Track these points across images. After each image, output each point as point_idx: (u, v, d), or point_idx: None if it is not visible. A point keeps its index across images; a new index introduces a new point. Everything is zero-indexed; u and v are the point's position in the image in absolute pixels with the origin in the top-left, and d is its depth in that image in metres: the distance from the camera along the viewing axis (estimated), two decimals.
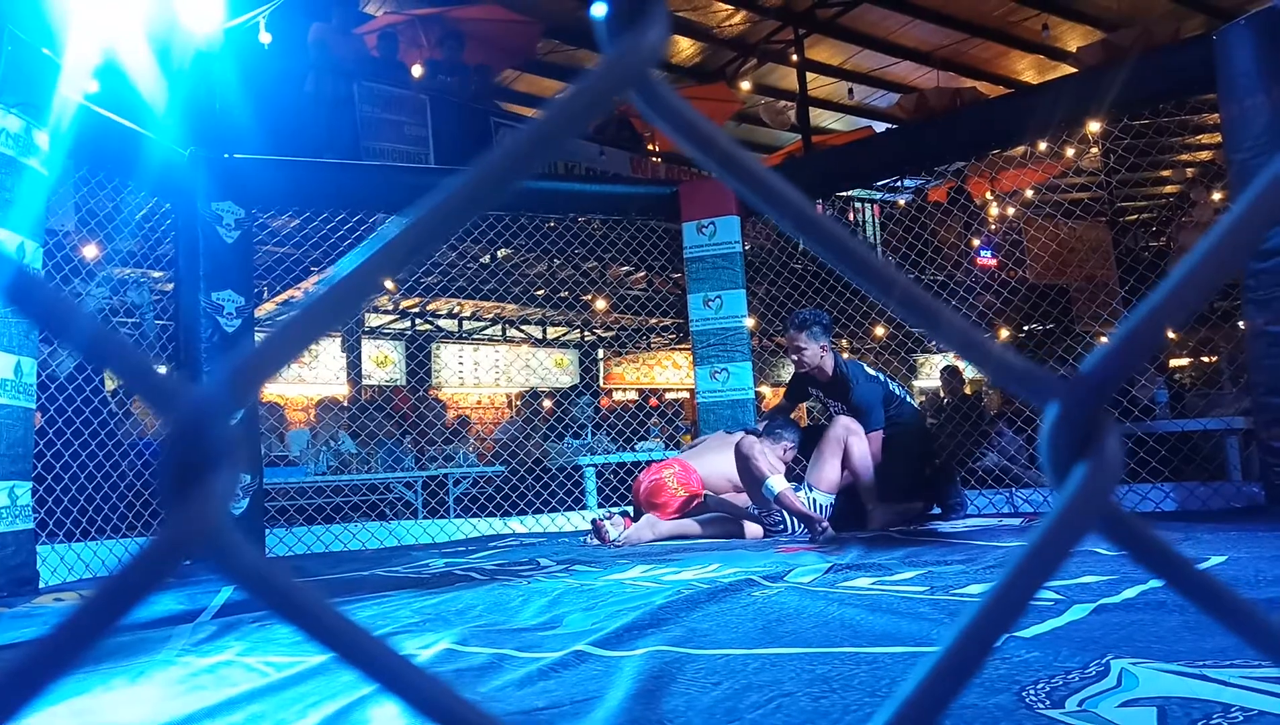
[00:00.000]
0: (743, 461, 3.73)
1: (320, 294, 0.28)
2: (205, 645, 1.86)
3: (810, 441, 4.06)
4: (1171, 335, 6.17)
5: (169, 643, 1.89)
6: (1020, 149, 5.08)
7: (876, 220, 8.97)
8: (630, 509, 4.38)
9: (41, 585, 3.18)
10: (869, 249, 0.33)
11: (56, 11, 3.10)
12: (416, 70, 8.04)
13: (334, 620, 0.27)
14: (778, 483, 3.64)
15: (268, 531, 4.37)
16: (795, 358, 4.10)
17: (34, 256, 3.11)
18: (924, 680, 0.29)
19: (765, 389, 9.61)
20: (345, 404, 8.60)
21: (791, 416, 4.55)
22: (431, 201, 0.29)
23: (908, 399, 4.18)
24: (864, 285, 0.33)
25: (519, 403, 7.83)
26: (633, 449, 5.61)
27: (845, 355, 4.34)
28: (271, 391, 8.98)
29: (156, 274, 4.78)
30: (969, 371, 7.19)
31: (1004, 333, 7.48)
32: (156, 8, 3.93)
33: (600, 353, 11.71)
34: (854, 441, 3.80)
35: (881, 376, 4.13)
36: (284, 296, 7.50)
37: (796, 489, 3.76)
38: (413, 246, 0.29)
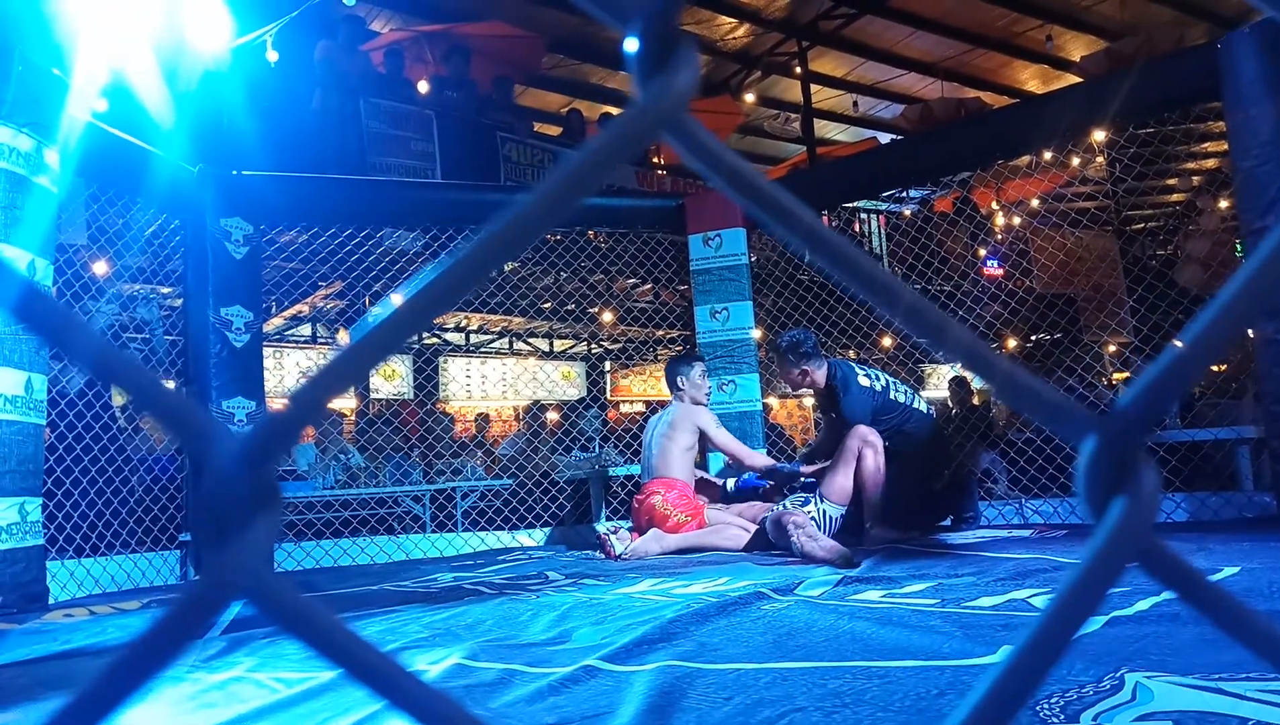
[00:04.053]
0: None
1: (354, 344, 0.29)
2: (215, 661, 1.86)
3: (824, 451, 4.06)
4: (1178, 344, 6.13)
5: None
6: (1025, 159, 5.08)
7: (882, 231, 8.97)
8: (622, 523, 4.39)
9: (51, 601, 3.18)
10: (894, 278, 0.33)
11: (66, 32, 3.13)
12: (422, 86, 8.08)
13: (384, 665, 0.27)
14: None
15: (277, 546, 4.37)
16: (785, 384, 4.21)
17: (44, 274, 3.13)
18: None
19: (773, 400, 9.60)
20: (346, 415, 8.62)
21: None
22: (466, 249, 0.29)
23: (916, 406, 4.11)
24: (882, 310, 0.33)
25: (526, 416, 7.84)
26: (639, 461, 5.60)
27: (852, 356, 4.32)
28: (278, 406, 8.98)
29: (166, 290, 4.81)
30: (976, 382, 7.16)
31: (1011, 342, 7.47)
32: (164, 27, 3.96)
33: (607, 365, 11.71)
34: (868, 453, 3.77)
35: (881, 383, 4.07)
36: (292, 311, 7.53)
37: (806, 502, 3.74)
38: (444, 296, 0.29)
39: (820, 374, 4.07)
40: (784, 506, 3.73)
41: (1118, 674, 1.28)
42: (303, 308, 7.52)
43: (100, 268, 4.05)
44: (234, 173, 4.38)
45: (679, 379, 4.37)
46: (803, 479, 4.07)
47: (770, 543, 3.69)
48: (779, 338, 4.22)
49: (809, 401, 9.92)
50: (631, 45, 0.31)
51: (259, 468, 0.26)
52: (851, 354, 6.21)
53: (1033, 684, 0.30)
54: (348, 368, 0.28)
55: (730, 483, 4.50)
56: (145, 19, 3.71)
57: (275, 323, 7.74)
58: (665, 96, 0.30)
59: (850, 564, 2.94)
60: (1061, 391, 0.33)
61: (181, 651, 0.26)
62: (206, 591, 0.25)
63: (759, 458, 4.32)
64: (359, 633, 0.28)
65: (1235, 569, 2.22)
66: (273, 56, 6.18)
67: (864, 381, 4.01)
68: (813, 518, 3.68)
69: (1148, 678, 1.25)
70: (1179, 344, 0.32)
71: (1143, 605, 1.77)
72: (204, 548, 0.26)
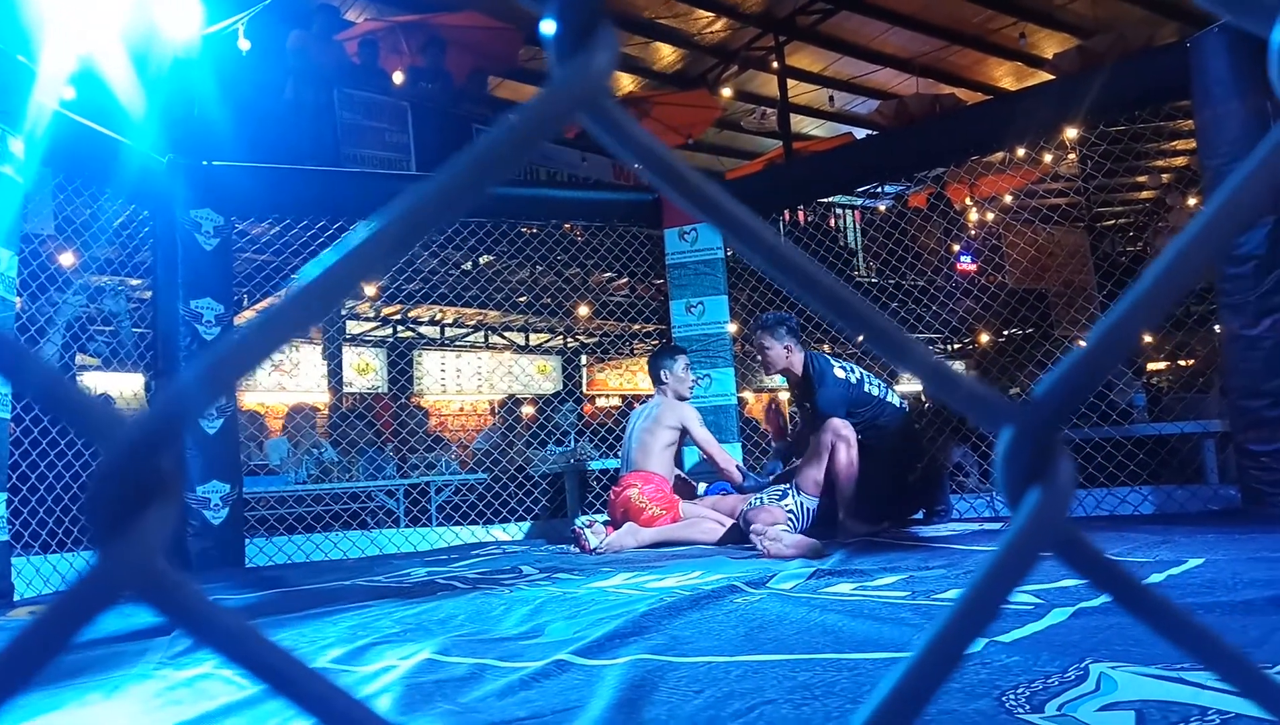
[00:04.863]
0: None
1: (251, 329, 0.28)
2: (182, 658, 1.84)
3: (803, 441, 4.07)
4: (1149, 339, 6.23)
5: (145, 656, 1.87)
6: (999, 155, 5.13)
7: (857, 226, 9.02)
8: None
9: (16, 598, 3.14)
10: (829, 274, 0.33)
11: (32, 18, 3.07)
12: (397, 77, 8.02)
13: (276, 658, 0.27)
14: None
15: (248, 541, 4.33)
16: (761, 359, 4.15)
17: (9, 265, 3.08)
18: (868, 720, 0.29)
19: (748, 394, 9.62)
20: (317, 409, 8.56)
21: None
22: (372, 230, 0.28)
23: (889, 399, 4.13)
24: (825, 311, 0.33)
25: (501, 410, 7.80)
26: (616, 455, 5.60)
27: (826, 351, 4.31)
28: (252, 400, 8.92)
29: (134, 282, 4.74)
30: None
31: (984, 337, 7.53)
32: (134, 14, 3.90)
33: (583, 359, 11.70)
34: (841, 448, 3.79)
35: (856, 376, 4.08)
36: (264, 304, 7.45)
37: (784, 495, 3.76)
38: (348, 279, 0.28)
39: (798, 359, 4.09)
40: (761, 500, 3.75)
41: (1082, 664, 1.30)
42: (275, 300, 7.44)
43: (67, 258, 3.98)
44: (205, 163, 4.32)
45: (662, 372, 4.37)
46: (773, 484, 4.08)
47: (744, 537, 3.70)
48: (763, 316, 4.21)
49: (784, 394, 9.95)
50: (549, 27, 0.30)
51: (152, 458, 0.26)
52: (826, 348, 6.24)
53: (942, 675, 0.30)
54: (246, 354, 0.28)
55: (701, 487, 4.51)
56: (114, 5, 3.65)
57: (247, 316, 7.65)
58: (582, 77, 0.30)
59: (820, 555, 2.97)
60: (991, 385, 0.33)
61: (64, 650, 0.25)
62: (92, 588, 0.25)
63: (734, 463, 4.31)
64: (257, 628, 0.27)
65: (1200, 560, 2.25)
66: (245, 45, 6.11)
67: (839, 373, 4.02)
68: (791, 510, 3.69)
69: (1112, 668, 1.26)
70: (1090, 336, 0.32)
71: (1108, 596, 1.79)
72: (95, 543, 0.26)
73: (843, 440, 3.79)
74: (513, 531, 4.99)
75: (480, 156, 0.29)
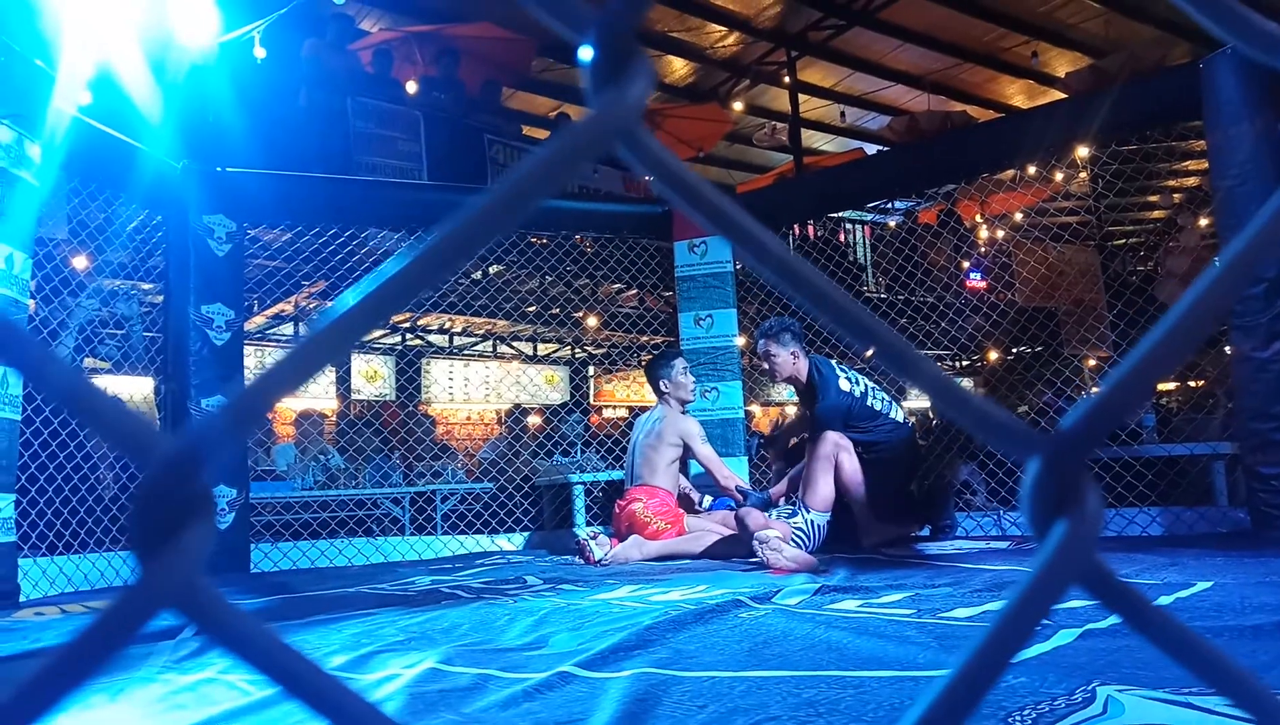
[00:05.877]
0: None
1: (299, 347, 0.28)
2: (187, 662, 1.84)
3: (799, 456, 4.05)
4: None
5: (149, 659, 1.87)
6: (1010, 172, 5.12)
7: (867, 241, 9.02)
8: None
9: (23, 599, 3.15)
10: (842, 291, 0.33)
11: (50, 23, 3.11)
12: (411, 86, 8.06)
13: (319, 680, 0.27)
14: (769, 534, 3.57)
15: (253, 546, 4.34)
16: (766, 367, 4.10)
17: (23, 268, 3.10)
18: None
19: (755, 408, 9.61)
20: (325, 415, 8.58)
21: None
22: (416, 253, 0.29)
23: (892, 415, 4.09)
24: (835, 326, 0.33)
25: (508, 419, 7.82)
26: (621, 467, 5.60)
27: (833, 360, 4.25)
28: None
29: (146, 286, 4.77)
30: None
31: (993, 355, 7.51)
32: (151, 20, 3.93)
33: (591, 370, 11.70)
34: (845, 458, 3.77)
35: (861, 388, 4.04)
36: (274, 310, 7.48)
37: (793, 514, 3.74)
38: (394, 299, 0.29)
39: (804, 366, 4.05)
40: (770, 517, 3.73)
41: (1090, 687, 1.29)
42: (285, 307, 7.47)
43: (80, 262, 4.01)
44: (218, 169, 4.35)
45: (661, 382, 4.36)
46: (778, 503, 4.06)
47: (738, 546, 3.67)
48: (765, 323, 4.16)
49: (791, 409, 9.94)
50: (586, 54, 0.31)
51: (192, 475, 0.26)
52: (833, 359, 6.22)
53: (968, 708, 0.30)
54: (292, 371, 0.28)
55: (706, 501, 4.49)
56: (132, 12, 3.69)
57: (257, 321, 7.69)
58: (618, 107, 0.30)
59: (820, 572, 2.98)
60: (1035, 405, 0.33)
61: (108, 662, 0.25)
62: (135, 601, 0.25)
63: (735, 479, 4.29)
64: (294, 646, 0.28)
65: (1208, 584, 2.24)
66: (260, 53, 6.15)
67: (844, 385, 3.99)
68: (800, 528, 3.67)
69: (1119, 691, 1.25)
70: (1122, 365, 0.32)
71: (1116, 618, 1.78)
72: (136, 556, 0.26)
73: (843, 449, 3.77)
74: (517, 541, 4.98)
75: (521, 181, 0.29)
